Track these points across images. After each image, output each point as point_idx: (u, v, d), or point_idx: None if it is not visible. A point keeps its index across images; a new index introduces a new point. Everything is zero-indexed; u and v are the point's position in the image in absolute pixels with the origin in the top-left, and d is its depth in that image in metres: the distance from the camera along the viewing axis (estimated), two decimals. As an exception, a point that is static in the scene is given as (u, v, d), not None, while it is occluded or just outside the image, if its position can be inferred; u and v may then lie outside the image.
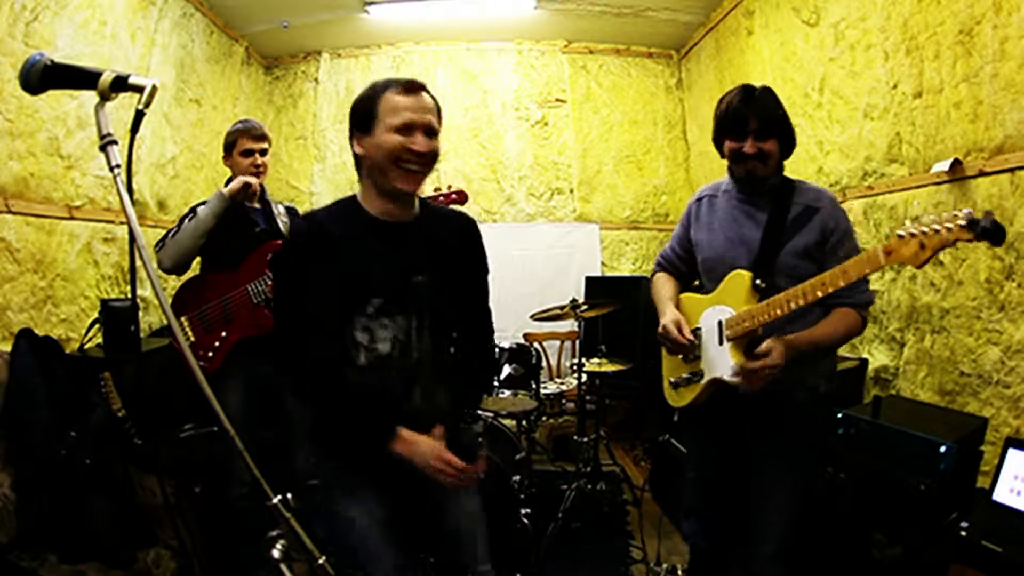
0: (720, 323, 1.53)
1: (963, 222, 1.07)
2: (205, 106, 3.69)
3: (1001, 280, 1.88)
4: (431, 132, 1.26)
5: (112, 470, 2.11)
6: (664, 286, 1.78)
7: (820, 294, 1.32)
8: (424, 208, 1.37)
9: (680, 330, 1.59)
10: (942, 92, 2.08)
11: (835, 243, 1.49)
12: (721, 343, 1.52)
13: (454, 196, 2.11)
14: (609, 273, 4.62)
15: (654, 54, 4.66)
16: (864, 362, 2.53)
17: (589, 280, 4.35)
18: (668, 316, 1.64)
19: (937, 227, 1.10)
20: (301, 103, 4.70)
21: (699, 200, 1.73)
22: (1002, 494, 1.59)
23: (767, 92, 1.55)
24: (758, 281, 1.47)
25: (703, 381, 1.57)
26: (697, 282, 1.77)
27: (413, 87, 1.25)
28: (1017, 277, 1.82)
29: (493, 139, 4.65)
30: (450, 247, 1.34)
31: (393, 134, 1.22)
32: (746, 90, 1.55)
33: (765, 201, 1.57)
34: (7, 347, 2.10)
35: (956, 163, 2.01)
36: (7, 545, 1.87)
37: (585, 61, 4.65)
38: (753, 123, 1.50)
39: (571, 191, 4.69)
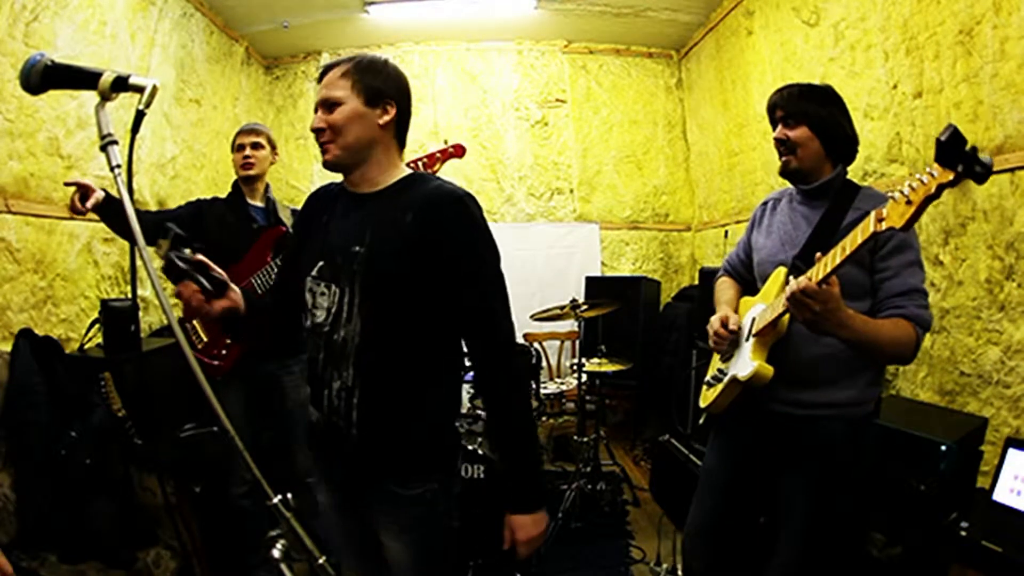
0: (753, 320, 1.49)
1: (936, 172, 1.03)
2: (205, 106, 3.69)
3: (1001, 280, 1.88)
4: (330, 105, 1.18)
5: (112, 470, 2.11)
6: (724, 291, 1.73)
7: (821, 274, 1.21)
8: (407, 179, 1.26)
9: (723, 324, 1.53)
10: (942, 92, 2.08)
11: (888, 251, 1.36)
12: (747, 340, 1.49)
13: (451, 151, 1.94)
14: (609, 273, 4.62)
15: (654, 54, 4.66)
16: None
17: (589, 280, 4.36)
18: (717, 314, 1.59)
19: (923, 179, 1.06)
20: (301, 103, 4.69)
21: (764, 204, 1.68)
22: (1002, 494, 1.59)
23: (807, 86, 1.49)
24: (791, 277, 1.38)
25: (724, 380, 1.51)
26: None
27: (327, 68, 1.22)
28: (1017, 277, 1.82)
29: (493, 139, 4.65)
30: (401, 222, 1.17)
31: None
32: (788, 85, 1.52)
33: (822, 203, 1.48)
34: (7, 347, 2.10)
35: (956, 163, 2.00)
36: (7, 545, 1.87)
37: (585, 61, 4.65)
38: (779, 111, 1.49)
39: (571, 191, 4.69)
